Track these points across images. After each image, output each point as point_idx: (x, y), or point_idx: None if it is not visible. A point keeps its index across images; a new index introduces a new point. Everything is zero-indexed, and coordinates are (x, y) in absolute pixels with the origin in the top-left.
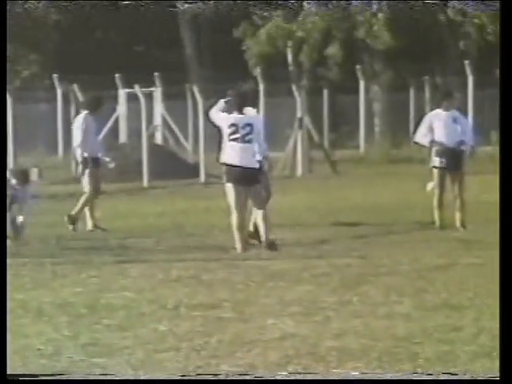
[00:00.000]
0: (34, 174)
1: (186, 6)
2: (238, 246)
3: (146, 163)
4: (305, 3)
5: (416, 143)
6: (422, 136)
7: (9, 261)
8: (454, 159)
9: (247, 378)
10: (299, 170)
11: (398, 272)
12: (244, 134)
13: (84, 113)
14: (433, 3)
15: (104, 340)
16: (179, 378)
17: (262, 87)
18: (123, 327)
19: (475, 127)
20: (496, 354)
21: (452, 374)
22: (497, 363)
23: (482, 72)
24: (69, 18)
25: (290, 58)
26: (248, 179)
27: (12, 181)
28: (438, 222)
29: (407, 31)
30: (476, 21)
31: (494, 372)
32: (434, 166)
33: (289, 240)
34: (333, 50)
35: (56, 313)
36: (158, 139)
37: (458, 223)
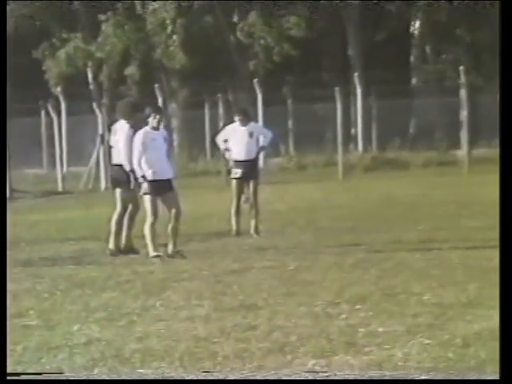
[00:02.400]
0: None
1: None
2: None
3: None
4: (103, 25)
5: (215, 144)
6: (220, 142)
7: None
8: (248, 170)
9: (258, 378)
10: (102, 185)
11: (198, 277)
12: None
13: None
14: (227, 24)
15: None
16: (179, 378)
17: (63, 106)
18: None
19: (269, 140)
20: (288, 349)
21: (452, 374)
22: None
23: (270, 89)
24: None
25: (90, 77)
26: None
27: None
28: (234, 230)
29: (201, 52)
30: (262, 42)
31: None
32: (231, 178)
33: (96, 250)
34: (131, 69)
35: None
36: None
37: (252, 230)
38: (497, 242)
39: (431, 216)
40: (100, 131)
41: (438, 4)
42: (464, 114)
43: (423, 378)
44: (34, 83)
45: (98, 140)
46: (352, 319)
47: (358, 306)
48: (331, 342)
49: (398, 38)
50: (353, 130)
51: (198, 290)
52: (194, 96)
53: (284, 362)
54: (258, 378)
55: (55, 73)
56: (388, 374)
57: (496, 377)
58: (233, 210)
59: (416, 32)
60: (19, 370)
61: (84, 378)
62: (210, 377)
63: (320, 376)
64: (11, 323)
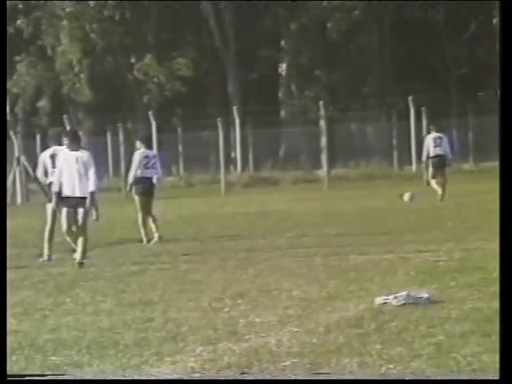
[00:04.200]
0: None
1: None
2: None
3: None
4: (17, 65)
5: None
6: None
7: None
8: (146, 187)
9: (249, 378)
10: (19, 199)
11: (103, 277)
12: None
13: None
14: (126, 65)
15: None
16: (179, 378)
17: None
18: None
19: (162, 161)
20: (180, 338)
21: (451, 374)
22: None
23: (163, 119)
24: None
25: (7, 109)
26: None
27: None
28: (144, 238)
29: (103, 87)
30: (155, 80)
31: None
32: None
33: (12, 255)
34: (43, 103)
35: None
36: None
37: (155, 238)
38: (352, 246)
39: (298, 225)
40: (16, 154)
41: (301, 50)
42: (324, 141)
43: (423, 378)
44: None
45: (15, 162)
46: (234, 312)
47: (239, 301)
48: (217, 332)
49: (269, 78)
50: (233, 154)
51: (103, 288)
52: (97, 125)
53: (177, 349)
54: (252, 378)
55: None
56: (388, 374)
57: (496, 377)
58: (139, 222)
59: (283, 73)
60: None
61: (83, 378)
62: (206, 377)
63: (316, 376)
64: None
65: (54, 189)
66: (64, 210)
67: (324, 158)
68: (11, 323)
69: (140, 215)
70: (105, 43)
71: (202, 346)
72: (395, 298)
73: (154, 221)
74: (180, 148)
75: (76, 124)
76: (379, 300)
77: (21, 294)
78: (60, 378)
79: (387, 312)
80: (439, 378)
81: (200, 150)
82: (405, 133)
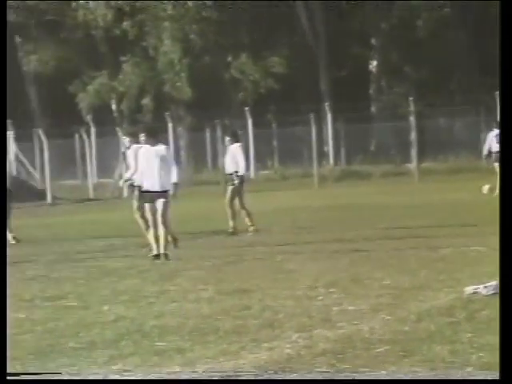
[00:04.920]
0: None
1: (31, 66)
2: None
3: None
4: (123, 65)
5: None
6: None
7: None
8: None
9: (251, 378)
10: (125, 193)
11: (203, 267)
12: None
13: None
14: (223, 63)
15: None
16: (179, 378)
17: (93, 130)
18: None
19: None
20: (277, 324)
21: (451, 374)
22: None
23: (258, 115)
24: None
25: (113, 107)
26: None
27: None
28: (231, 230)
29: (202, 85)
30: (251, 77)
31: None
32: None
33: (120, 245)
34: (146, 101)
35: None
36: (13, 171)
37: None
38: (441, 237)
39: (389, 217)
40: (122, 150)
41: (390, 47)
42: (413, 135)
43: (423, 378)
44: (70, 112)
45: (121, 157)
46: (327, 300)
47: (332, 290)
48: (311, 319)
49: (359, 75)
50: (325, 148)
51: (203, 277)
52: (196, 121)
53: (274, 336)
54: (259, 378)
55: (86, 104)
56: (388, 374)
57: (496, 377)
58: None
59: (373, 70)
60: (62, 342)
61: (83, 378)
62: (207, 377)
63: (321, 376)
64: (54, 304)
65: (136, 183)
66: (146, 205)
67: (413, 152)
68: (119, 310)
69: (227, 205)
70: (203, 43)
71: (297, 333)
72: (485, 287)
73: (248, 214)
74: (275, 143)
75: (177, 120)
76: (469, 289)
77: (127, 283)
78: (56, 377)
79: (477, 301)
80: (446, 377)
81: (294, 145)
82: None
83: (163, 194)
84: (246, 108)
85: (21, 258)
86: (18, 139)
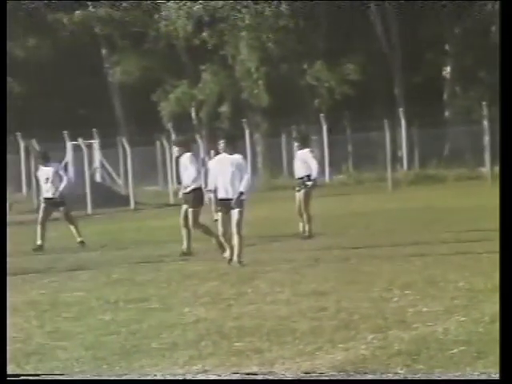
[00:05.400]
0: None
1: (116, 77)
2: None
3: (89, 196)
4: (202, 74)
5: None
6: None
7: None
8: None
9: (246, 378)
10: (206, 198)
11: (280, 269)
12: None
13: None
14: (299, 71)
15: (63, 328)
16: (179, 378)
17: (173, 137)
18: (77, 318)
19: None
20: (352, 326)
21: (452, 374)
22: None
23: (333, 121)
24: (29, 91)
25: (193, 114)
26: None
27: None
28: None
29: (279, 93)
30: (326, 84)
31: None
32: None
33: (199, 249)
34: (224, 108)
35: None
36: (98, 178)
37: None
38: None
39: (463, 219)
40: (201, 155)
41: (465, 52)
42: (486, 139)
43: (423, 378)
44: (152, 120)
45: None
46: (402, 301)
47: (407, 291)
48: (386, 320)
49: (433, 80)
50: (399, 153)
51: (280, 280)
52: (273, 128)
53: (349, 337)
54: (259, 378)
55: (167, 112)
56: (389, 374)
57: (496, 377)
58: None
59: (447, 75)
60: (145, 343)
61: (82, 378)
62: (208, 377)
63: (322, 376)
64: (137, 306)
65: (210, 190)
66: (219, 213)
67: (487, 156)
68: (200, 311)
69: (297, 209)
70: (280, 51)
71: (372, 334)
72: None
73: (309, 220)
74: (349, 148)
75: (254, 127)
76: None
77: (208, 285)
78: (56, 377)
79: None
80: (446, 377)
81: (368, 150)
82: None
83: (237, 202)
84: (322, 114)
85: (105, 263)
86: (102, 147)
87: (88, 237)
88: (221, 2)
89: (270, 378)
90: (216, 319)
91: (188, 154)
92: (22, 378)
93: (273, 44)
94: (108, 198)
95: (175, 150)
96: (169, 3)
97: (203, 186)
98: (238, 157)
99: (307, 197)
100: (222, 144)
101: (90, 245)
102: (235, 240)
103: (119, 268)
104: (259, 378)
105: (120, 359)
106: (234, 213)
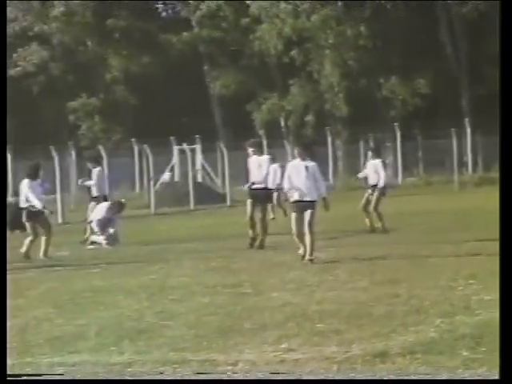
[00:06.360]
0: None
1: (216, 90)
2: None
3: (191, 194)
4: (291, 87)
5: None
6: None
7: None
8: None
9: (249, 377)
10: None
11: (357, 260)
12: None
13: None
14: (376, 84)
15: (168, 309)
16: (179, 378)
17: (265, 143)
18: (181, 300)
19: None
20: (422, 311)
21: (452, 374)
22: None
23: (405, 130)
24: (142, 102)
25: (282, 123)
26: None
27: (111, 208)
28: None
29: (357, 104)
30: (400, 97)
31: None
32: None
33: (285, 241)
34: (309, 117)
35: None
36: (199, 178)
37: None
38: None
39: None
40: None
41: None
42: None
43: (423, 378)
44: (246, 128)
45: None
46: (467, 290)
47: (471, 281)
48: (453, 306)
49: (496, 93)
50: (464, 158)
51: (358, 269)
52: (352, 135)
53: (419, 321)
54: (261, 378)
55: (259, 120)
56: (389, 374)
57: (496, 377)
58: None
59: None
60: (239, 323)
61: (82, 378)
62: (210, 377)
63: (321, 376)
64: (232, 291)
65: (286, 193)
66: (293, 214)
67: None
68: (286, 296)
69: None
70: (359, 67)
71: (440, 319)
72: None
73: (380, 217)
74: (420, 154)
75: (335, 135)
76: None
77: (293, 273)
78: (56, 377)
79: None
80: (446, 377)
81: (437, 155)
82: None
83: (310, 204)
84: (396, 123)
85: (204, 252)
86: (203, 151)
87: (192, 230)
88: (308, 24)
89: (271, 378)
90: (300, 303)
91: (266, 156)
92: (23, 378)
93: (353, 61)
94: (208, 195)
95: (250, 150)
96: (263, 26)
97: (271, 186)
98: (311, 163)
99: (378, 200)
100: (297, 150)
101: (193, 236)
102: (307, 239)
103: (217, 257)
104: (261, 377)
105: (218, 337)
106: (307, 214)
